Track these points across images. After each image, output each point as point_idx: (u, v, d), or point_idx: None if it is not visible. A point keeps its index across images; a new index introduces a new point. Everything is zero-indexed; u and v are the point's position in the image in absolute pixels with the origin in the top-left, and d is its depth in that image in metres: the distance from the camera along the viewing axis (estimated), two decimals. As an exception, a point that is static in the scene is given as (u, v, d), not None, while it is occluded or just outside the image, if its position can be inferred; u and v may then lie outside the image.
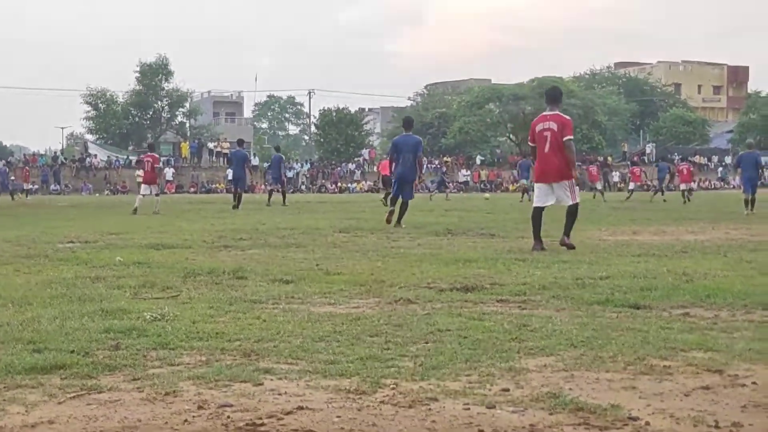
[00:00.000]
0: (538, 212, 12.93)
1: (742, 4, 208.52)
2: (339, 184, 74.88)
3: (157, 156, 29.64)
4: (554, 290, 7.95)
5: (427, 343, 5.58)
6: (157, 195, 27.61)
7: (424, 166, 17.32)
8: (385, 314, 6.68)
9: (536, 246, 12.47)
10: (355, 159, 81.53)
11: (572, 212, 12.91)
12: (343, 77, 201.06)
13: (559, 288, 8.09)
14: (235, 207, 28.71)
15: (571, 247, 12.39)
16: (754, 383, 4.54)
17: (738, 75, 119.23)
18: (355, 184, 75.51)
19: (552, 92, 13.57)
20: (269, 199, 33.48)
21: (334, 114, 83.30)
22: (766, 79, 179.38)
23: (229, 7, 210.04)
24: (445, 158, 79.66)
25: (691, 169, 41.97)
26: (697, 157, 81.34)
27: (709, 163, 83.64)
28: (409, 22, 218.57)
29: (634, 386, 4.49)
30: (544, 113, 13.16)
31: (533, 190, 13.94)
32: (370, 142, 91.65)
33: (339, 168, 78.54)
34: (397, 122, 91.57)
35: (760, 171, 28.35)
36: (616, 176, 75.35)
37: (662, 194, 41.20)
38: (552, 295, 7.70)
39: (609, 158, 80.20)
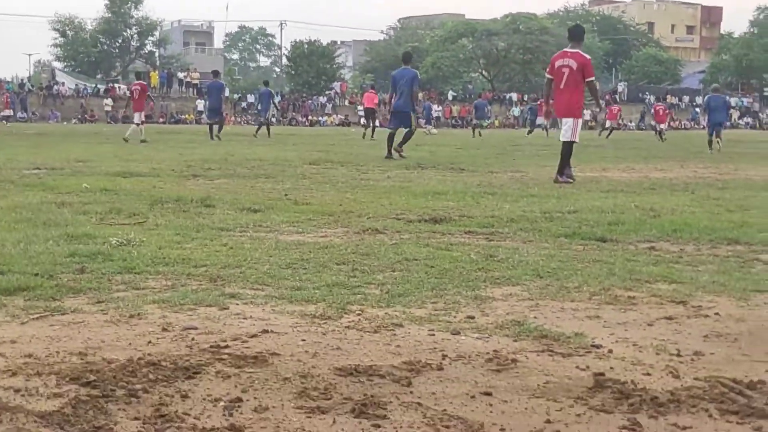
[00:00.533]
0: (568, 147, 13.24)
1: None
2: (310, 118, 74.47)
3: (145, 84, 29.79)
4: (522, 223, 7.97)
5: (394, 271, 5.58)
6: (139, 124, 27.72)
7: (417, 99, 17.98)
8: (352, 243, 6.67)
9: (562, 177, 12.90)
10: (327, 92, 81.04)
11: (564, 150, 13.15)
12: (316, 9, 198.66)
13: (527, 221, 8.10)
14: (217, 137, 28.65)
15: (567, 181, 12.72)
16: (716, 314, 4.58)
17: (711, 15, 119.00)
18: (326, 118, 75.14)
19: (575, 30, 14.00)
20: (257, 131, 33.79)
21: (306, 46, 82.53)
22: (739, 20, 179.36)
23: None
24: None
25: (667, 110, 42.16)
26: (669, 96, 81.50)
27: (680, 103, 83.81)
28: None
29: (598, 315, 4.51)
30: (566, 49, 13.59)
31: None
32: (342, 76, 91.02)
33: (310, 101, 78.04)
34: (368, 56, 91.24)
35: (728, 112, 28.88)
36: (587, 115, 75.33)
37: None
38: (519, 227, 7.71)
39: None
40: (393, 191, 11.00)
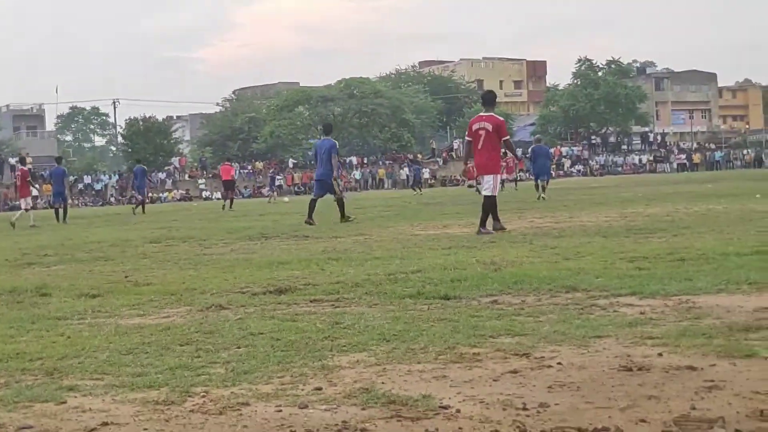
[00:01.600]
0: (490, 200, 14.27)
1: (538, 5, 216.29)
2: (150, 195, 73.26)
3: (26, 169, 29.49)
4: (367, 287, 7.98)
5: (239, 348, 5.48)
6: (27, 209, 27.88)
7: (336, 167, 19.18)
8: (196, 322, 6.53)
9: (496, 226, 14.03)
10: (166, 168, 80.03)
11: (487, 204, 14.25)
12: (149, 86, 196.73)
13: (372, 284, 8.12)
14: (64, 221, 28.74)
15: (488, 232, 13.70)
16: (559, 363, 4.66)
17: (537, 70, 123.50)
18: (166, 194, 74.12)
19: (487, 96, 15.25)
20: (135, 209, 35.20)
21: (141, 123, 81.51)
22: (563, 73, 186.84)
23: (21, 20, 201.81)
24: (257, 162, 79.16)
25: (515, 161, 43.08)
26: (534, 139, 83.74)
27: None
28: (213, 29, 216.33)
29: (445, 375, 4.53)
30: (481, 114, 14.78)
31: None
32: (180, 150, 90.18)
33: (149, 177, 76.86)
34: (205, 128, 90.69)
35: (551, 161, 31.69)
36: (426, 173, 76.76)
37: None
38: (365, 291, 7.72)
39: (419, 155, 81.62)
40: (237, 264, 10.88)
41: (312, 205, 19.95)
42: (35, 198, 29.95)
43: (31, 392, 4.54)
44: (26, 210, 27.56)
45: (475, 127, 14.52)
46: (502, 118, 14.88)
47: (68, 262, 12.73)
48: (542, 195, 27.81)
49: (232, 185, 39.13)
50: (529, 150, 35.08)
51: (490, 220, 14.20)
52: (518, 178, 46.69)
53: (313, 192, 20.86)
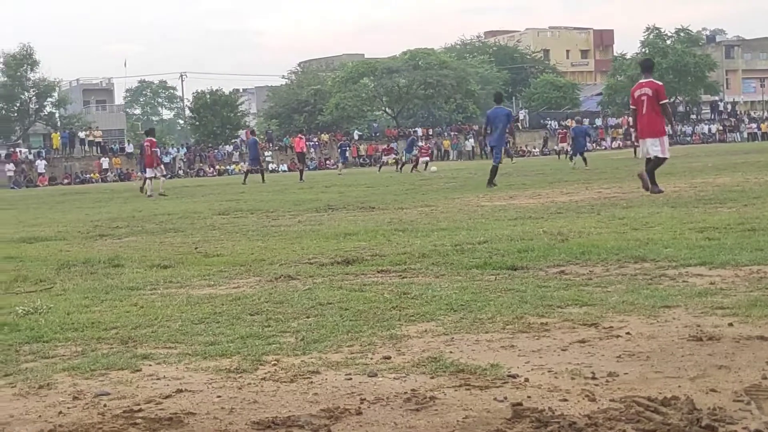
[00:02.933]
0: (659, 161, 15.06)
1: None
2: (217, 167, 73.99)
3: (154, 140, 30.66)
4: (434, 257, 8.01)
5: (308, 317, 5.56)
6: (163, 176, 30.23)
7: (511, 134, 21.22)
8: (265, 292, 6.63)
9: (654, 189, 14.53)
10: (233, 141, 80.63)
11: (656, 163, 15.01)
12: (215, 59, 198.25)
13: (439, 255, 8.15)
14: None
15: (658, 191, 14.38)
16: (627, 333, 4.65)
17: (604, 39, 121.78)
18: (233, 166, 74.68)
19: (645, 63, 16.49)
20: (245, 179, 36.59)
21: (208, 96, 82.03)
22: (630, 42, 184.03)
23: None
24: (322, 135, 79.42)
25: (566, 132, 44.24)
26: (569, 120, 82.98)
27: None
28: (274, 2, 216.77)
29: (513, 345, 4.55)
30: (640, 81, 15.56)
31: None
32: (247, 123, 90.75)
33: (216, 150, 77.57)
34: (271, 101, 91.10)
35: (586, 139, 35.84)
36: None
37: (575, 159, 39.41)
38: (432, 262, 7.76)
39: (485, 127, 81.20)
40: (304, 235, 10.97)
41: (494, 171, 21.08)
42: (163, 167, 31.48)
43: (106, 360, 4.66)
44: (149, 179, 28.75)
45: (636, 93, 15.32)
46: (660, 83, 15.75)
47: (139, 233, 12.95)
48: (573, 165, 31.32)
49: (303, 157, 40.12)
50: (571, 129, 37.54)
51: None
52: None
53: (493, 159, 22.03)
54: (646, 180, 14.66)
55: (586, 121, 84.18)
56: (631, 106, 15.76)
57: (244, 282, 7.34)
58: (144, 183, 29.41)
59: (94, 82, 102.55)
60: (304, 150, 41.23)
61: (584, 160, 32.16)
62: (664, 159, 15.15)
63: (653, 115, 15.01)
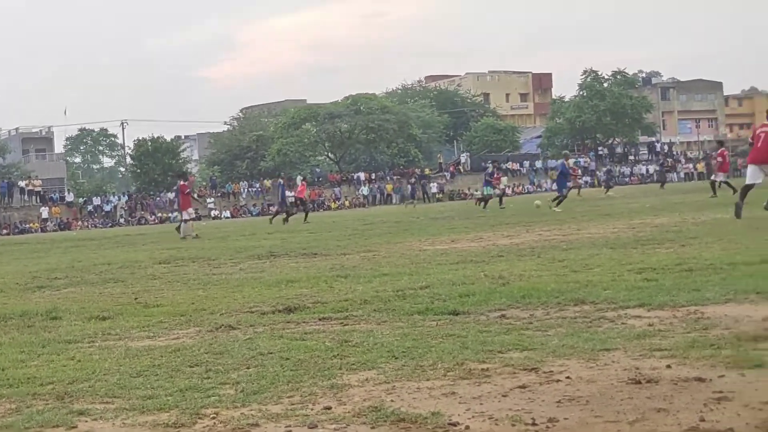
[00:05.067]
0: (749, 187, 17.28)
1: (541, 19, 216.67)
2: (159, 215, 73.40)
3: (185, 184, 30.78)
4: (376, 304, 8.00)
5: (248, 368, 5.50)
6: (192, 219, 29.70)
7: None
8: (205, 343, 6.56)
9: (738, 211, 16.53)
10: (174, 187, 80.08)
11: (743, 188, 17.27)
12: (157, 106, 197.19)
13: (381, 301, 8.14)
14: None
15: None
16: (567, 377, 4.67)
17: (542, 82, 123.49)
18: (175, 213, 74.13)
19: None
20: (272, 219, 38.97)
21: (150, 143, 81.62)
22: (569, 85, 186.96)
23: (27, 42, 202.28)
24: (265, 180, 79.21)
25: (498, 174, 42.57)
26: (510, 163, 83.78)
27: (521, 168, 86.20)
28: (219, 48, 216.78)
29: (454, 392, 4.54)
30: (764, 122, 17.65)
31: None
32: (189, 170, 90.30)
33: (158, 198, 77.01)
34: (214, 147, 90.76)
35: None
36: (434, 187, 76.81)
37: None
38: (374, 308, 7.74)
39: (426, 170, 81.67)
40: (246, 283, 10.91)
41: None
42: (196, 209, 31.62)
43: (41, 417, 4.56)
44: (185, 221, 29.07)
45: (758, 130, 17.48)
46: None
47: (78, 284, 12.77)
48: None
49: (304, 202, 42.31)
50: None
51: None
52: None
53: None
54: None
55: (539, 163, 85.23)
56: (750, 141, 18.83)
57: (184, 332, 7.26)
58: (180, 225, 29.96)
59: (34, 131, 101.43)
60: (303, 196, 42.60)
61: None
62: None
63: None
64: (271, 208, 72.29)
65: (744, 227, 14.16)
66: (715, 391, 4.19)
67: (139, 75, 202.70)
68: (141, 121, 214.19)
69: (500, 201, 36.23)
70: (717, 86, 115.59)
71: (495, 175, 39.02)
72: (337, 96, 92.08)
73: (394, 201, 76.51)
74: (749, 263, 8.91)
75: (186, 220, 29.19)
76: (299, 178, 45.20)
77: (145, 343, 6.81)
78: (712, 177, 33.37)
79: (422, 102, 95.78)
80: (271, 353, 5.89)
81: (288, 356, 5.74)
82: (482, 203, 34.85)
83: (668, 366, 4.77)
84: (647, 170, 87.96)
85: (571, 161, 38.49)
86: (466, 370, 4.98)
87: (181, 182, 30.95)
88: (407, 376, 4.97)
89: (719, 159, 32.92)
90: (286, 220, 36.83)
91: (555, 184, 33.56)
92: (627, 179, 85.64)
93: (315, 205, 71.48)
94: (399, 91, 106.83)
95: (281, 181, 43.34)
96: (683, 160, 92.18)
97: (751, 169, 17.59)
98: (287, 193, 42.74)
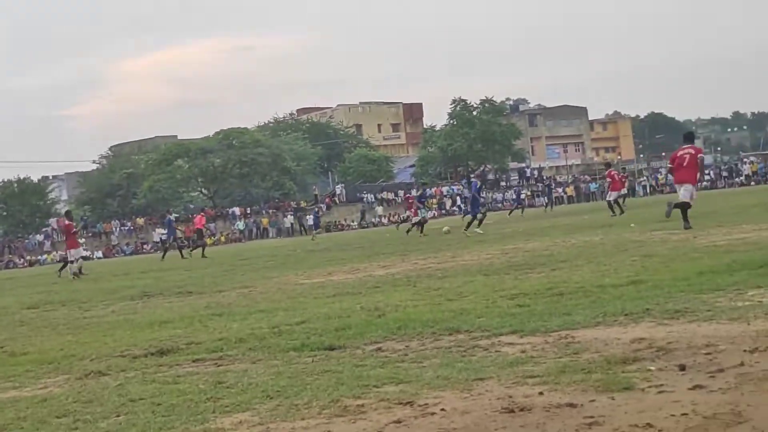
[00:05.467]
0: (687, 205, 18.36)
1: (410, 49, 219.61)
2: (28, 257, 71.35)
3: (71, 223, 30.22)
4: (251, 342, 7.89)
5: (118, 416, 5.34)
6: (72, 261, 28.61)
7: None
8: (74, 391, 6.35)
9: (687, 225, 17.57)
10: (44, 229, 78.09)
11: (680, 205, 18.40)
12: (23, 146, 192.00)
13: (256, 338, 8.04)
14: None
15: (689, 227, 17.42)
16: (442, 410, 4.67)
17: (413, 112, 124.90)
18: (45, 256, 72.23)
19: (688, 135, 20.46)
20: (163, 256, 38.46)
21: (16, 185, 79.50)
22: (439, 114, 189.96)
23: None
24: (137, 219, 77.84)
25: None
26: (385, 192, 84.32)
27: (396, 198, 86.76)
28: (85, 86, 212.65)
29: (329, 431, 4.49)
30: (683, 146, 19.38)
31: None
32: (57, 210, 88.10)
33: (27, 240, 74.87)
34: (83, 187, 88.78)
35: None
36: (310, 219, 76.59)
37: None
38: (249, 347, 7.63)
39: (303, 203, 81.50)
40: (117, 326, 10.64)
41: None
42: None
43: None
44: (71, 262, 28.53)
45: (680, 153, 19.03)
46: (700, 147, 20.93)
47: (-60, 335, 12.24)
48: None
49: (202, 234, 41.86)
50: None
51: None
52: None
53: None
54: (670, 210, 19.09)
55: (414, 191, 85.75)
56: (669, 165, 20.82)
57: (52, 381, 7.02)
58: (64, 266, 29.43)
59: None
60: (202, 227, 42.37)
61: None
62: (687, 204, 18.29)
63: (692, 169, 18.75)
64: (144, 246, 71.16)
65: (611, 249, 14.52)
66: (586, 416, 4.24)
67: (4, 115, 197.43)
68: (6, 163, 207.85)
69: (420, 227, 35.16)
70: (582, 111, 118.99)
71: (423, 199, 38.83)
72: (209, 131, 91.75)
73: (270, 235, 76.06)
74: (617, 285, 9.13)
75: (72, 261, 28.63)
76: (198, 211, 45.10)
77: (10, 395, 6.55)
78: (606, 197, 34.18)
79: (295, 135, 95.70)
80: (142, 399, 5.74)
81: (160, 401, 5.59)
82: (419, 227, 33.04)
83: (540, 393, 4.82)
84: (518, 195, 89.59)
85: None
86: (342, 407, 4.93)
87: (67, 222, 30.40)
88: (282, 416, 4.89)
89: (608, 179, 33.93)
90: (182, 255, 37.08)
91: (469, 207, 32.40)
92: (499, 205, 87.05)
93: (189, 242, 70.46)
94: (271, 124, 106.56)
95: (171, 217, 43.59)
96: (553, 185, 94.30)
97: (683, 189, 18.75)
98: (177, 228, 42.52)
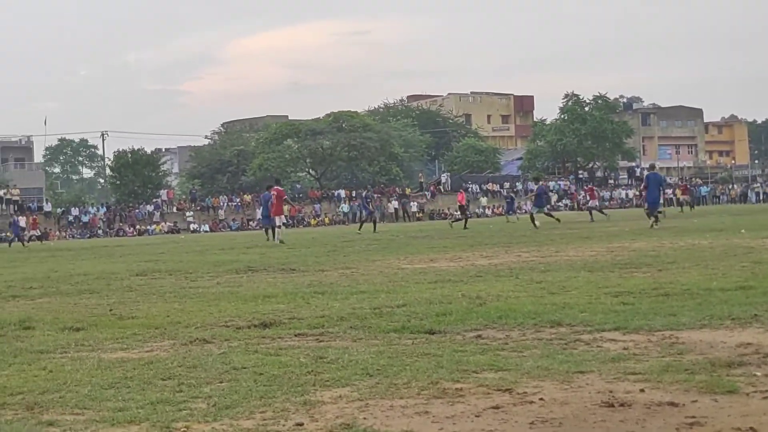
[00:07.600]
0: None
1: (524, 41, 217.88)
2: (137, 227, 73.10)
3: (282, 189, 31.56)
4: (352, 321, 7.98)
5: (221, 382, 5.47)
6: (280, 226, 30.15)
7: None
8: (179, 356, 6.51)
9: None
10: (153, 200, 79.87)
11: None
12: (138, 118, 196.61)
13: (357, 318, 8.12)
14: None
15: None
16: (541, 399, 4.66)
17: (524, 104, 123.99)
18: (154, 226, 73.90)
19: None
20: (268, 236, 35.16)
21: (130, 155, 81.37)
22: (550, 108, 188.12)
23: (8, 51, 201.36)
24: (245, 195, 79.04)
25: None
26: (490, 184, 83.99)
27: (502, 190, 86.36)
28: (201, 63, 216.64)
29: (427, 411, 4.52)
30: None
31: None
32: (168, 183, 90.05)
33: (137, 210, 76.68)
34: (194, 161, 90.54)
35: (660, 189, 30.47)
36: (414, 206, 76.80)
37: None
38: (350, 325, 7.72)
39: (407, 189, 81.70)
40: (222, 297, 10.86)
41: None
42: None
43: (9, 427, 4.52)
44: (278, 227, 29.84)
45: None
46: None
47: (53, 294, 12.68)
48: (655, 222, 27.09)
49: (464, 209, 42.79)
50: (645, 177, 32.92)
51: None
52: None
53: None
54: None
55: (519, 184, 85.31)
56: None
57: (158, 345, 7.21)
58: (268, 231, 30.76)
59: (13, 140, 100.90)
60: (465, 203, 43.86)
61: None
62: None
63: None
64: (251, 222, 72.19)
65: (720, 254, 14.21)
66: (688, 416, 4.19)
67: (121, 87, 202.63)
68: (122, 133, 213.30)
69: (465, 223, 37.63)
70: (697, 113, 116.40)
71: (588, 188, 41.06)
72: (319, 113, 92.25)
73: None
74: (724, 289, 8.95)
75: (279, 226, 29.83)
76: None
77: (118, 355, 6.76)
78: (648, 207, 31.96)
79: (404, 121, 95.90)
80: (244, 368, 5.85)
81: (262, 371, 5.70)
82: (533, 223, 33.10)
83: (642, 390, 4.77)
84: (626, 195, 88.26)
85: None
86: (440, 390, 4.96)
87: (279, 188, 31.27)
88: (381, 394, 4.94)
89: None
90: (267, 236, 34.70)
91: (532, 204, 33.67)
92: (607, 203, 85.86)
93: (294, 221, 71.37)
94: (381, 109, 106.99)
95: (268, 193, 41.34)
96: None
97: None
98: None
